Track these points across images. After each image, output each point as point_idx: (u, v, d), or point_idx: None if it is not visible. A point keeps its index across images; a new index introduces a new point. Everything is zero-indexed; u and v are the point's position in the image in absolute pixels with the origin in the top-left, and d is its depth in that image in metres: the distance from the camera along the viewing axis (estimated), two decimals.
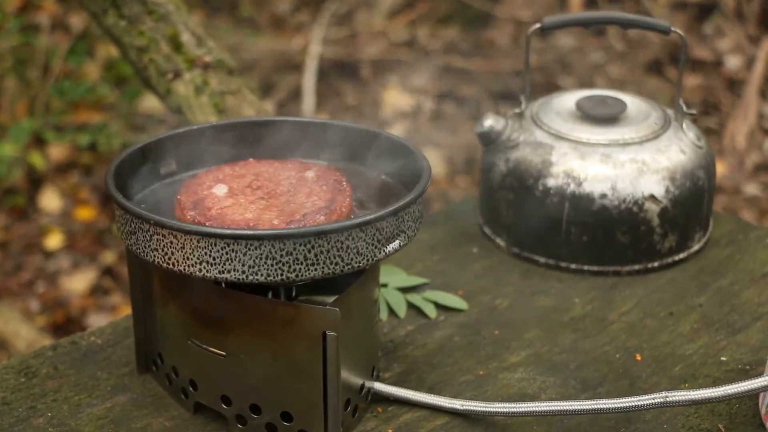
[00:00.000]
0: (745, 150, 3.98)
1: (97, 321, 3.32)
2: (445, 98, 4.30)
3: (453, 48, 4.58)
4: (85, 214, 3.75)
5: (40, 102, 3.94)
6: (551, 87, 4.10)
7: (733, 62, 4.35)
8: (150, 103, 3.89)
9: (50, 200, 3.79)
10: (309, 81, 4.22)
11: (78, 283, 3.48)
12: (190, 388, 1.53)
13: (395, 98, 4.32)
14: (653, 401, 1.44)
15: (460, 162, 3.98)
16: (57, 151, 3.94)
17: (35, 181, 3.83)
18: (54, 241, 3.63)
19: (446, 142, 4.07)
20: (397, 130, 4.14)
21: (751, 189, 3.82)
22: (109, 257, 3.57)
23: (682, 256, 1.94)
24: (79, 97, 3.96)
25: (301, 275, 1.39)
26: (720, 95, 4.21)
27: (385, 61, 4.51)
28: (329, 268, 1.40)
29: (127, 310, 3.46)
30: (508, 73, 4.32)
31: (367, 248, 1.41)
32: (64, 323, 3.33)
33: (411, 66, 4.48)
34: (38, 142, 3.90)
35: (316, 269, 1.39)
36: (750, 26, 4.46)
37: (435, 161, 3.81)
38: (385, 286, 1.82)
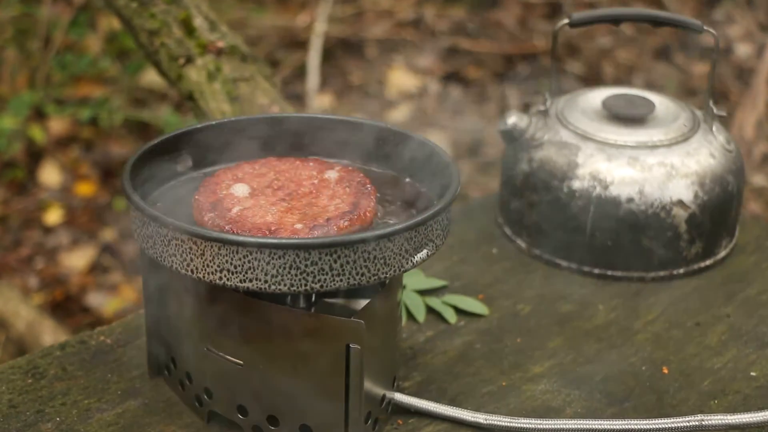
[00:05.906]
0: (754, 140, 3.92)
1: (96, 299, 3.27)
2: (451, 80, 4.24)
3: (460, 29, 4.51)
4: (86, 189, 3.69)
5: (41, 74, 3.87)
6: (558, 71, 4.03)
7: (742, 50, 4.30)
8: (152, 77, 3.82)
9: (50, 174, 3.72)
10: (314, 59, 4.16)
11: (77, 260, 3.42)
12: (205, 396, 1.47)
13: (400, 78, 4.26)
14: (688, 424, 1.39)
15: (465, 145, 3.93)
16: (57, 125, 3.87)
17: (35, 155, 3.77)
18: (53, 216, 3.57)
19: (451, 124, 4.02)
20: (402, 111, 4.08)
21: (759, 180, 3.76)
22: (108, 234, 3.51)
23: (708, 262, 1.88)
24: (81, 70, 3.90)
25: (326, 285, 1.33)
26: (729, 84, 4.15)
27: (391, 40, 4.44)
28: (355, 279, 1.34)
29: (127, 290, 3.42)
30: (516, 55, 4.25)
31: (394, 258, 1.36)
32: (63, 301, 3.27)
33: (417, 46, 4.42)
34: (38, 115, 3.84)
35: (341, 280, 1.33)
36: (760, 14, 4.42)
37: (440, 143, 3.75)
38: (403, 287, 1.77)
